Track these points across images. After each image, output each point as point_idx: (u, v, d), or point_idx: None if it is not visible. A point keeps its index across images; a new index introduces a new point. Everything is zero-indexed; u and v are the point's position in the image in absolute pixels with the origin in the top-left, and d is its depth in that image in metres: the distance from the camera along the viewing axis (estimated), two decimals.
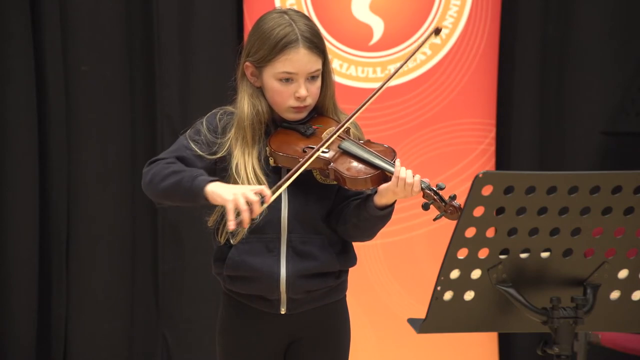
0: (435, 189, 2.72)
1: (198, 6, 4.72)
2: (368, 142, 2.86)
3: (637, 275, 2.36)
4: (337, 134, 2.81)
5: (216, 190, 2.69)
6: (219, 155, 2.83)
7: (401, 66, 2.88)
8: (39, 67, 4.64)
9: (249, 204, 2.64)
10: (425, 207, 2.74)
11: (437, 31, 2.88)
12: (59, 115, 4.67)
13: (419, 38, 4.48)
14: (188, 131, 2.89)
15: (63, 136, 4.68)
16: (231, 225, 2.63)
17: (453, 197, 2.70)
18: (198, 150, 2.83)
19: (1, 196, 4.65)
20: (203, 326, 4.70)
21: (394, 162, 2.76)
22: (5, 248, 4.65)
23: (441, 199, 2.71)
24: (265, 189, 2.67)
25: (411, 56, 2.89)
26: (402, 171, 2.71)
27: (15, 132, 4.63)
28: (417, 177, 2.72)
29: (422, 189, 2.72)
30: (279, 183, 2.74)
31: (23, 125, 4.62)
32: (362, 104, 2.84)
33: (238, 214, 2.64)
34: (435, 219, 2.73)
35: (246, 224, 2.65)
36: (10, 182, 4.64)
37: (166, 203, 2.84)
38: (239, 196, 2.65)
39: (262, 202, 2.66)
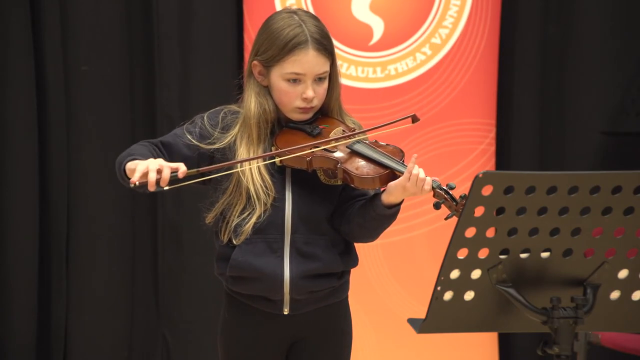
0: (446, 188, 2.73)
1: (198, 6, 4.72)
2: (376, 142, 2.87)
3: (637, 275, 2.36)
4: (340, 142, 2.82)
5: (136, 161, 2.71)
6: (216, 146, 2.84)
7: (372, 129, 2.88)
8: (39, 67, 4.63)
9: (159, 170, 2.65)
10: (437, 206, 2.74)
11: (414, 119, 2.87)
12: (59, 116, 4.67)
13: (419, 38, 4.49)
14: (186, 124, 2.90)
15: (63, 136, 4.68)
16: (134, 178, 2.64)
17: (464, 197, 2.70)
18: (192, 140, 2.84)
19: (1, 196, 4.64)
20: (203, 326, 4.70)
21: (403, 161, 2.77)
22: (5, 248, 4.65)
23: (452, 198, 2.72)
24: (182, 166, 2.68)
25: (385, 125, 2.88)
26: (415, 168, 2.72)
27: (15, 132, 4.63)
28: (428, 177, 2.73)
29: (433, 188, 2.73)
30: (203, 169, 2.75)
31: (23, 126, 4.62)
32: (358, 131, 2.88)
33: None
34: (446, 218, 2.73)
35: (150, 187, 2.64)
36: (10, 182, 4.64)
37: (123, 184, 2.84)
38: (151, 161, 2.67)
39: (175, 175, 2.66)
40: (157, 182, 2.65)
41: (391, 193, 2.77)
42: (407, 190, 2.74)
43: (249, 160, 2.80)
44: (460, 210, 2.69)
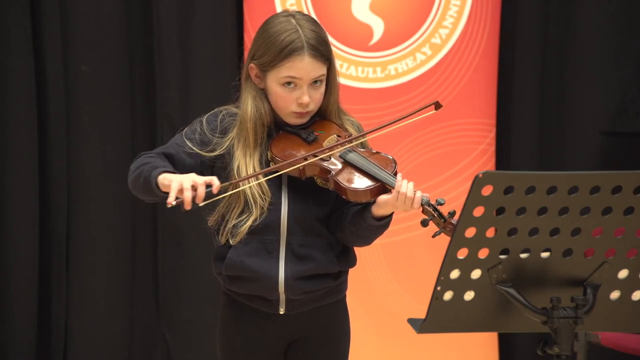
0: (434, 204, 2.72)
1: (198, 6, 4.72)
2: (369, 151, 2.86)
3: (637, 275, 2.36)
4: (334, 151, 2.81)
5: (167, 175, 2.71)
6: (216, 153, 2.84)
7: (390, 123, 2.87)
8: (39, 67, 4.63)
9: (194, 187, 2.64)
10: (424, 223, 2.73)
11: (437, 105, 2.86)
12: (59, 115, 4.67)
13: (419, 38, 4.49)
14: (186, 129, 2.90)
15: (63, 136, 4.68)
16: (170, 199, 2.63)
17: (452, 214, 2.69)
18: (193, 147, 2.83)
19: (1, 196, 4.64)
20: (203, 326, 4.70)
21: (395, 172, 2.77)
22: (5, 248, 4.65)
23: (440, 215, 2.71)
24: (215, 180, 2.68)
25: (406, 117, 2.87)
26: (402, 185, 2.71)
27: (15, 132, 4.63)
28: (418, 192, 2.72)
29: (421, 204, 2.72)
30: (234, 181, 2.76)
31: (23, 125, 4.62)
32: (358, 135, 2.88)
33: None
34: (434, 236, 2.72)
35: (187, 205, 2.63)
36: (10, 182, 4.64)
37: (141, 197, 2.84)
38: (185, 178, 2.66)
39: (210, 191, 2.65)
40: (192, 199, 2.64)
41: (381, 207, 2.77)
42: (396, 208, 2.75)
43: (252, 175, 2.79)
44: (448, 228, 2.69)
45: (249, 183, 2.79)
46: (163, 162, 2.80)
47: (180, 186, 2.64)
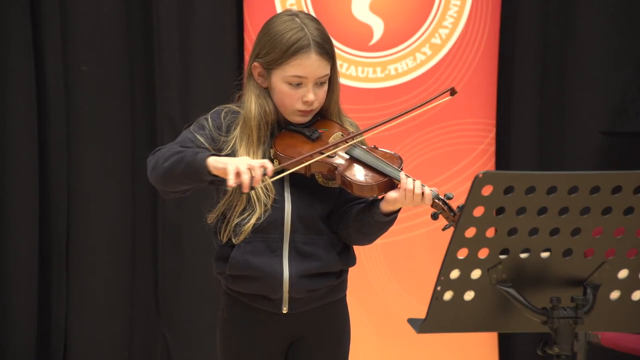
0: (443, 198, 2.73)
1: (198, 6, 4.72)
2: (374, 149, 2.87)
3: (637, 275, 2.36)
4: (354, 140, 2.81)
5: (219, 159, 2.70)
6: (224, 153, 2.83)
7: (407, 112, 2.87)
8: (39, 67, 4.63)
9: (250, 170, 2.64)
10: (434, 216, 2.75)
11: (452, 92, 2.86)
12: (59, 115, 4.67)
13: (419, 38, 4.49)
14: (192, 126, 2.89)
15: (63, 136, 4.68)
16: (230, 181, 2.63)
17: (461, 207, 2.70)
18: (205, 143, 2.83)
19: (1, 196, 4.64)
20: (203, 326, 4.70)
21: (401, 168, 2.78)
22: (5, 248, 4.65)
23: (450, 209, 2.73)
24: (267, 162, 2.68)
25: (422, 105, 2.88)
26: (408, 183, 2.73)
27: (15, 132, 4.63)
28: (427, 187, 2.74)
29: (430, 198, 2.73)
30: (285, 164, 2.75)
31: (23, 125, 4.62)
32: (367, 128, 2.87)
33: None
34: (444, 229, 2.73)
35: (246, 188, 2.63)
36: (10, 182, 4.64)
37: (171, 187, 2.82)
38: (240, 161, 2.66)
39: (264, 173, 2.65)
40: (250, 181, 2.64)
41: (390, 203, 2.78)
42: (405, 204, 2.76)
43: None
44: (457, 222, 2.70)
45: (301, 164, 2.78)
46: (199, 149, 2.78)
47: (237, 169, 2.64)
